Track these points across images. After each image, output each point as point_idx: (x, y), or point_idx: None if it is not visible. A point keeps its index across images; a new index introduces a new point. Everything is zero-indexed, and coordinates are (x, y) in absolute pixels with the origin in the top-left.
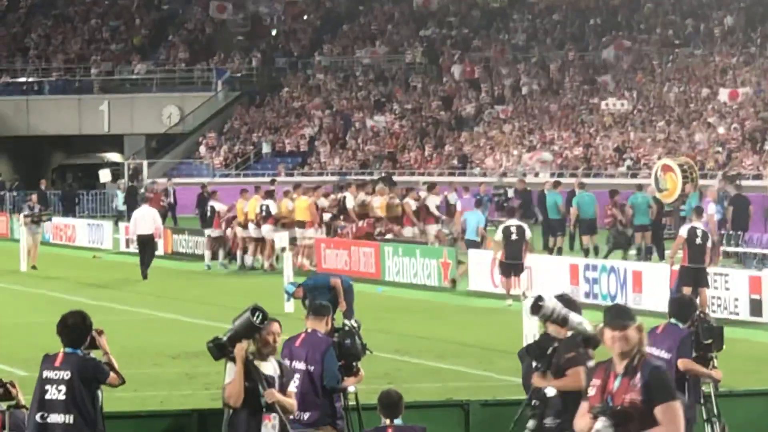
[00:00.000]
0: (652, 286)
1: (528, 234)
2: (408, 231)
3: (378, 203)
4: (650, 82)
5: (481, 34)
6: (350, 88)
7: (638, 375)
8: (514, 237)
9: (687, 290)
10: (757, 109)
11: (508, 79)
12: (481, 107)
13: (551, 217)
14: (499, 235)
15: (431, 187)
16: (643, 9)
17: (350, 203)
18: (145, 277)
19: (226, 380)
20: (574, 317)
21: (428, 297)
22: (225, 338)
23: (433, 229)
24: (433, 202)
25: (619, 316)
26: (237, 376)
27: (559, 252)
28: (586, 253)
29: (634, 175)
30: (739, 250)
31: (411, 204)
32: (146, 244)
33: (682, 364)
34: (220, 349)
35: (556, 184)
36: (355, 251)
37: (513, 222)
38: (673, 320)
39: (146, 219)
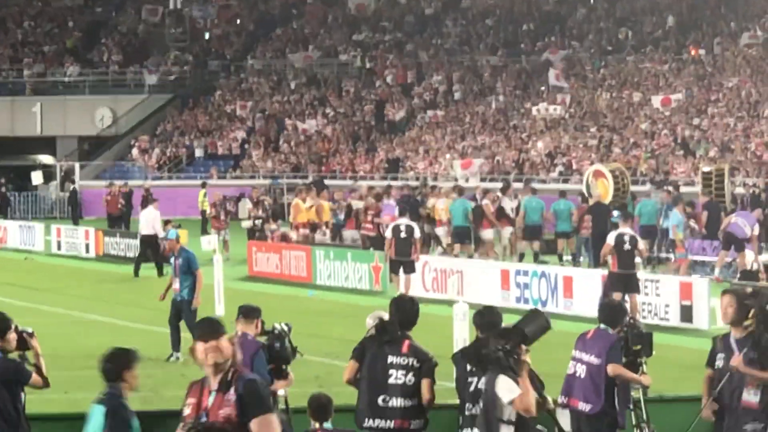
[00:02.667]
0: (582, 291)
1: (417, 233)
2: (488, 233)
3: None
4: (582, 88)
5: (415, 39)
6: (283, 91)
7: (232, 389)
8: (403, 235)
9: (617, 296)
10: (690, 115)
11: (441, 83)
12: (414, 112)
13: (527, 223)
14: (389, 233)
15: (505, 189)
16: (576, 15)
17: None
18: (135, 274)
19: None
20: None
21: (359, 301)
22: None
23: (507, 231)
24: (508, 203)
25: (208, 328)
26: None
27: (536, 257)
28: (521, 258)
29: (565, 181)
30: (671, 255)
31: (489, 206)
32: (146, 245)
33: (612, 369)
34: None
35: (533, 191)
36: (287, 255)
37: (403, 221)
38: (602, 326)
39: (147, 220)
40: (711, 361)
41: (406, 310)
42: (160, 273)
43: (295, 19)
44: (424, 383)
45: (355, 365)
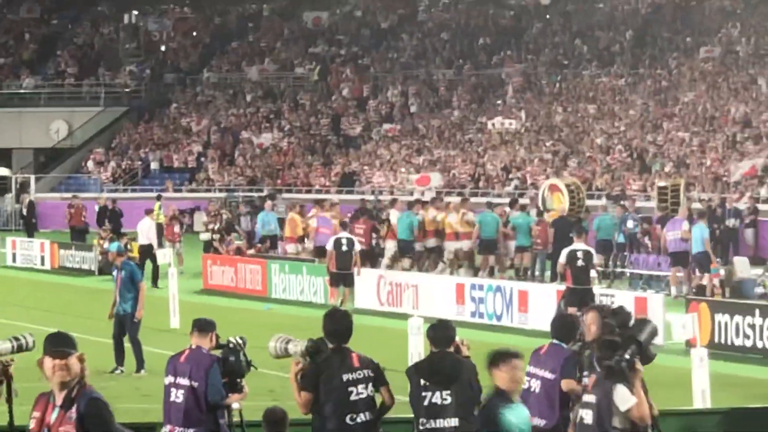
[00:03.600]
0: (538, 305)
1: (357, 247)
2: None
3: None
4: (538, 102)
5: (371, 53)
6: (239, 105)
7: (74, 407)
8: (344, 249)
9: (572, 311)
10: (646, 130)
11: (397, 97)
12: (370, 125)
13: (485, 237)
14: (330, 245)
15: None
16: (532, 29)
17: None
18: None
19: None
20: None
21: (315, 314)
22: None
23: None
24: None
25: (60, 344)
26: None
27: (491, 271)
28: (476, 272)
29: (521, 195)
30: (626, 270)
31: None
32: (144, 255)
33: (566, 384)
34: None
35: (489, 204)
36: (242, 268)
37: (344, 235)
38: (555, 341)
39: (143, 231)
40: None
41: (341, 324)
42: (155, 284)
43: (251, 33)
44: (384, 390)
45: (310, 396)
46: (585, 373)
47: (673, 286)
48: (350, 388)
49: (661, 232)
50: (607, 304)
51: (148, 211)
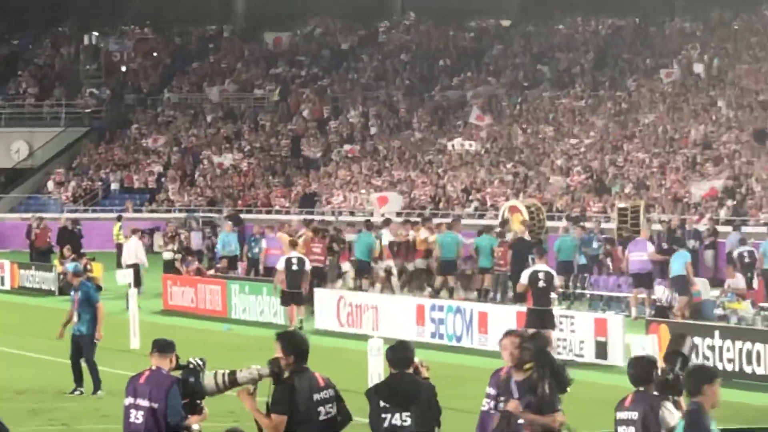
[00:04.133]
0: (498, 327)
1: (307, 266)
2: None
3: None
4: (499, 124)
5: (331, 74)
6: (199, 125)
7: None
8: (294, 268)
9: (532, 332)
10: (606, 151)
11: (357, 118)
12: (330, 146)
13: (444, 258)
14: (281, 265)
15: (425, 222)
16: (493, 51)
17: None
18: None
19: None
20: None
21: (274, 335)
22: None
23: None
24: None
25: None
26: None
27: (451, 292)
28: (437, 293)
29: (481, 216)
30: (586, 292)
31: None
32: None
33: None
34: None
35: (450, 225)
36: (202, 289)
37: (294, 254)
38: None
39: (130, 250)
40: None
41: (300, 344)
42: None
43: (212, 53)
44: (343, 407)
45: (283, 418)
46: (502, 397)
47: (633, 307)
48: (320, 408)
49: (622, 254)
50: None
51: (135, 231)
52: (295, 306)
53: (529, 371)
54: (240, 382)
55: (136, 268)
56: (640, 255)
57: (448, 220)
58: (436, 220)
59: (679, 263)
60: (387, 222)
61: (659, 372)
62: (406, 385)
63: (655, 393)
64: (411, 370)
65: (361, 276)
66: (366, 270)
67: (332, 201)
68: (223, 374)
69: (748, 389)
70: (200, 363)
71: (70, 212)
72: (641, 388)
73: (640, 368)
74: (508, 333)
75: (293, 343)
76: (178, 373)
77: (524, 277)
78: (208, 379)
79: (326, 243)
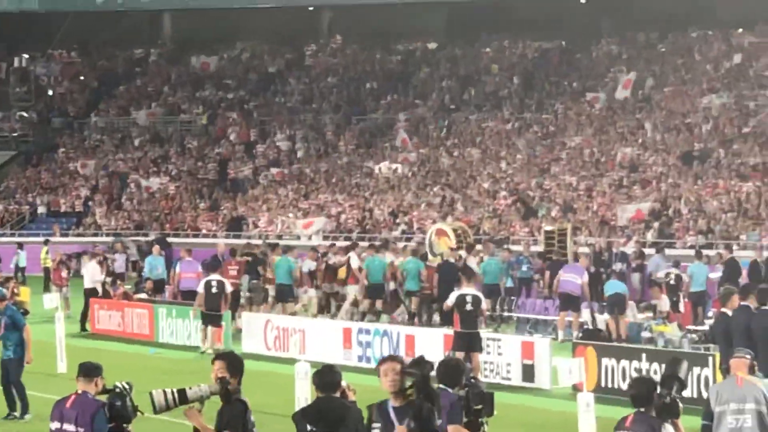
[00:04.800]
0: (425, 349)
1: (228, 288)
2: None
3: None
4: (425, 147)
5: (258, 97)
6: (126, 149)
7: None
8: (214, 290)
9: (460, 355)
10: (532, 174)
11: (284, 142)
12: (257, 169)
13: (372, 282)
14: (201, 288)
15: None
16: (420, 74)
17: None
18: (82, 329)
19: None
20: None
21: (201, 359)
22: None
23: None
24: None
25: None
26: None
27: (378, 316)
28: (362, 317)
29: (408, 239)
30: (513, 315)
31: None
32: (88, 297)
33: (453, 430)
34: None
35: (377, 249)
36: (129, 312)
37: (214, 277)
38: (442, 385)
39: (88, 274)
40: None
41: (242, 364)
42: (83, 328)
43: (139, 77)
44: None
45: None
46: (377, 425)
47: (560, 329)
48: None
49: (551, 277)
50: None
51: (94, 255)
52: (213, 328)
53: (409, 397)
54: (189, 399)
55: (93, 292)
56: (573, 278)
57: (376, 243)
58: (364, 244)
59: (618, 284)
60: (378, 246)
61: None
62: (333, 409)
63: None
64: (338, 394)
65: (283, 300)
66: (288, 294)
67: (259, 224)
68: (173, 392)
69: None
70: (127, 387)
71: None
72: (642, 409)
73: (642, 389)
74: (387, 359)
75: (239, 363)
76: (104, 397)
77: (451, 299)
78: (157, 396)
79: (243, 265)
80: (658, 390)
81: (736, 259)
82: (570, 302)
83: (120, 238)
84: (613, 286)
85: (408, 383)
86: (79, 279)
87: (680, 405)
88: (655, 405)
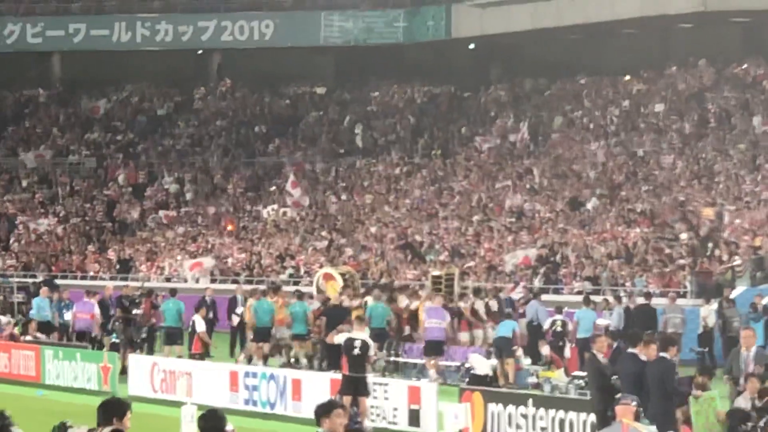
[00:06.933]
0: (311, 394)
1: None
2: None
3: None
4: (314, 190)
5: (147, 140)
6: (14, 190)
7: None
8: None
9: (347, 399)
10: (420, 219)
11: (172, 184)
12: (145, 212)
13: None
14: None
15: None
16: (309, 117)
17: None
18: None
19: None
20: None
21: (88, 401)
22: None
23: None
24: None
25: None
26: None
27: (265, 359)
28: (249, 360)
29: (296, 283)
30: (400, 359)
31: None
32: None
33: None
34: None
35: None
36: (16, 354)
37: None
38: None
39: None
40: None
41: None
42: None
43: (27, 118)
44: None
45: None
46: None
47: (433, 370)
48: None
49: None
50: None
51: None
52: None
53: None
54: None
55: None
56: (438, 323)
57: (263, 286)
58: (250, 287)
59: (506, 327)
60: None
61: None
62: None
63: None
64: None
65: (172, 342)
66: (177, 336)
67: (147, 266)
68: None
69: None
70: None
71: None
72: None
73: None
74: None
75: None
76: None
77: (339, 339)
78: None
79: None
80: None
81: (651, 306)
82: (435, 347)
83: (6, 279)
84: (501, 329)
85: None
86: None
87: None
88: None
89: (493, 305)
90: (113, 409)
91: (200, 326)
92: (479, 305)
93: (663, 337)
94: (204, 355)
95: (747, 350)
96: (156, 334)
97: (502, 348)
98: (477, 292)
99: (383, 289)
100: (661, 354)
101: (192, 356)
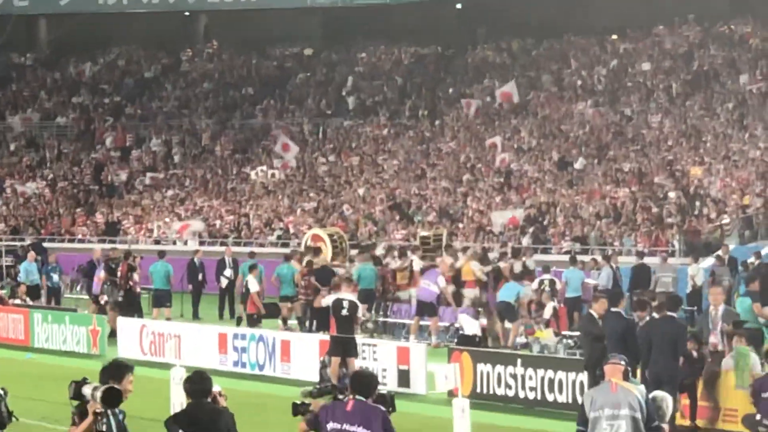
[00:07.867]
0: (300, 355)
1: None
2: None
3: None
4: (302, 152)
5: (134, 102)
6: (2, 154)
7: None
8: None
9: (336, 360)
10: (408, 180)
11: (160, 147)
12: (133, 175)
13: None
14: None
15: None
16: (296, 79)
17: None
18: None
19: None
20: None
21: (77, 364)
22: None
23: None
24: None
25: None
26: None
27: (239, 321)
28: (238, 322)
29: (284, 245)
30: (389, 320)
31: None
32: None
33: None
34: None
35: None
36: (4, 317)
37: None
38: (358, 396)
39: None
40: None
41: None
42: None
43: (14, 82)
44: None
45: None
46: None
47: (412, 333)
48: None
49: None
50: None
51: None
52: None
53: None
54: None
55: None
56: (427, 284)
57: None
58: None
59: (509, 291)
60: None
61: None
62: (205, 414)
63: None
64: (209, 400)
65: (160, 304)
66: (166, 298)
67: (135, 229)
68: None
69: (550, 417)
70: (1, 393)
71: None
72: None
73: None
74: None
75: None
76: None
77: (327, 300)
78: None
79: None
80: None
81: (647, 265)
82: (425, 308)
83: None
84: (502, 293)
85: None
86: None
87: None
88: None
89: (530, 264)
90: (110, 372)
91: (253, 287)
92: (517, 265)
93: (670, 297)
94: (260, 314)
95: (715, 309)
96: (134, 298)
97: (502, 312)
98: (515, 252)
99: (364, 250)
100: (668, 313)
101: (249, 316)
